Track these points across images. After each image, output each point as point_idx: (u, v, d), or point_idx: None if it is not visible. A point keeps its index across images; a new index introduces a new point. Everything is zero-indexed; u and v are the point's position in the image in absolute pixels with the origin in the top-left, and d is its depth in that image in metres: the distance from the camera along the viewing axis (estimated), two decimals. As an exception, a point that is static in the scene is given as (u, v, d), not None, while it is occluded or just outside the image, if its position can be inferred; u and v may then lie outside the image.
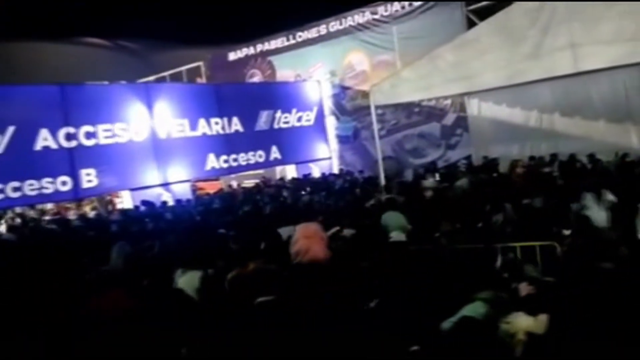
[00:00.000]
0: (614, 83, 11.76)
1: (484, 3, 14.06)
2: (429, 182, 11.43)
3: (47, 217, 15.41)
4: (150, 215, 11.13)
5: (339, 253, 5.73)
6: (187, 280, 5.20)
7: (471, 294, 3.72)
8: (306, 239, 6.08)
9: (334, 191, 12.16)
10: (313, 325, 3.28)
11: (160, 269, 5.72)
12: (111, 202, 15.78)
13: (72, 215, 15.35)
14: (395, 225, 6.78)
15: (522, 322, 3.20)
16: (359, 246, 5.92)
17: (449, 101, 15.19)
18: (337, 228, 6.73)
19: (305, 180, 15.09)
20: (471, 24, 13.41)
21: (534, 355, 3.01)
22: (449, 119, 15.45)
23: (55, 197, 12.47)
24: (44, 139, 11.88)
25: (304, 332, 3.20)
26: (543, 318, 3.19)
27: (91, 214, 14.35)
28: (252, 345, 3.21)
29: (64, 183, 12.10)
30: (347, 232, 6.51)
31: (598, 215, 6.46)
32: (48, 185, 11.86)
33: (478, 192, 9.21)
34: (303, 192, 12.58)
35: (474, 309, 3.49)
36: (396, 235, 6.14)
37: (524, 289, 3.62)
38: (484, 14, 12.88)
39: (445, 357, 3.04)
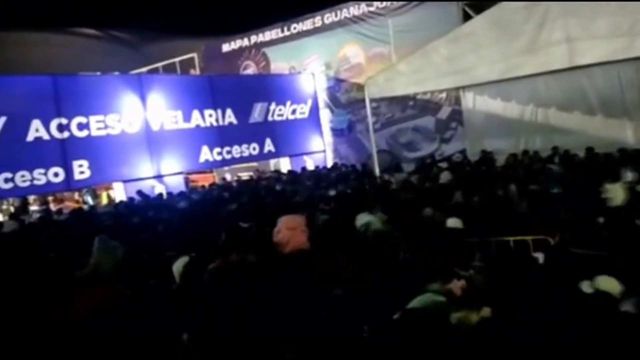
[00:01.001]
0: (609, 78, 11.80)
1: (480, -4, 14.02)
2: (399, 176, 11.66)
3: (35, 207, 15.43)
4: (153, 206, 11.16)
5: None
6: (178, 265, 5.20)
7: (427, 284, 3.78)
8: (288, 230, 6.14)
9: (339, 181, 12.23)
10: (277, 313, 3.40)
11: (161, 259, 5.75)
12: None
13: (52, 207, 15.37)
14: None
15: (464, 317, 3.24)
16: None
17: (443, 95, 15.15)
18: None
19: (302, 173, 15.02)
20: (467, 18, 13.37)
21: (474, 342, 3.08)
22: (444, 113, 15.42)
23: (47, 188, 12.35)
24: (35, 130, 11.74)
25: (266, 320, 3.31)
26: (486, 311, 3.24)
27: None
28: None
29: (56, 174, 11.99)
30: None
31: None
32: (40, 176, 11.74)
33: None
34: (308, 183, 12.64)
35: (423, 299, 3.55)
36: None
37: (456, 287, 3.61)
38: (479, 7, 12.84)
39: (392, 345, 3.11)
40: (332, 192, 10.10)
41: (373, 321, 3.45)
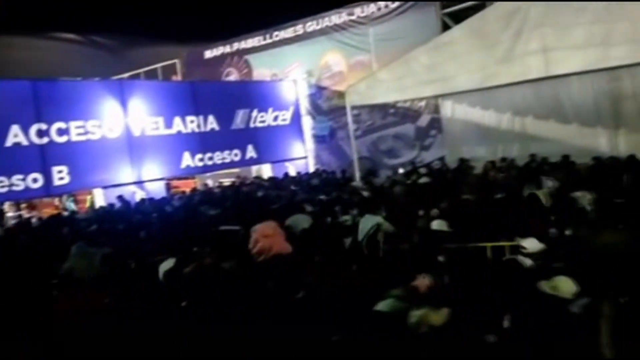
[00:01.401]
0: (584, 87, 12.04)
1: (458, 6, 14.26)
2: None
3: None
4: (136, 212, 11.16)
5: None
6: (165, 266, 5.26)
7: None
8: (266, 238, 6.24)
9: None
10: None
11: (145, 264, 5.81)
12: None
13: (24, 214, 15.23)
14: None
15: (423, 316, 3.34)
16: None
17: (423, 103, 15.33)
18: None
19: (285, 179, 15.07)
20: (446, 27, 13.60)
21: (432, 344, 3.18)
22: (424, 121, 15.60)
23: (26, 194, 12.24)
24: (14, 136, 11.63)
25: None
26: (444, 311, 3.34)
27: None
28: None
29: (35, 180, 11.87)
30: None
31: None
32: (19, 182, 11.62)
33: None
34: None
35: (386, 304, 3.66)
36: (438, 225, 6.26)
37: (422, 283, 3.70)
38: (458, 17, 13.08)
39: (359, 346, 3.20)
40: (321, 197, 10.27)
41: (337, 323, 3.54)
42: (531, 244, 5.31)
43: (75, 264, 6.63)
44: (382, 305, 3.62)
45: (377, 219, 6.90)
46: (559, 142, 12.25)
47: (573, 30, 9.35)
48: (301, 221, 7.47)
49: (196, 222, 9.18)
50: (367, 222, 6.82)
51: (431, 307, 3.31)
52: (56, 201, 16.63)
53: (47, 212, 15.30)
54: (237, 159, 16.19)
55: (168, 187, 15.48)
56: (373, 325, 3.25)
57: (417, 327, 3.26)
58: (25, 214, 15.51)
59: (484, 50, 10.53)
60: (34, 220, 12.92)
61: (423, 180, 10.94)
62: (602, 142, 12.11)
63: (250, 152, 16.55)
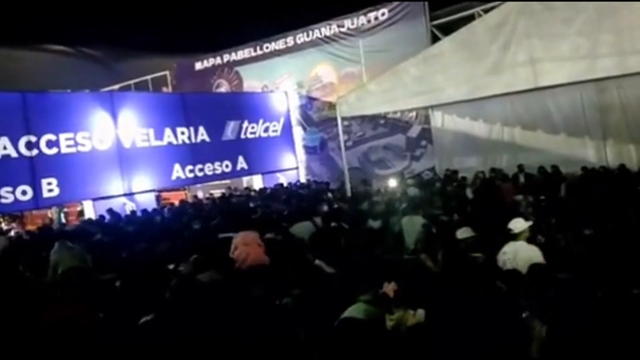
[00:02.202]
0: (571, 98, 12.21)
1: (448, 18, 14.41)
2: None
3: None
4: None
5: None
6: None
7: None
8: (245, 245, 6.30)
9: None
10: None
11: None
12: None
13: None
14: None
15: (400, 318, 3.37)
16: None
17: (413, 113, 15.45)
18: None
19: (277, 190, 15.06)
20: (435, 39, 13.72)
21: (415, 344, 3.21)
22: (414, 131, 15.70)
23: (15, 207, 12.14)
24: (3, 148, 11.56)
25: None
26: (420, 312, 3.38)
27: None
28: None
29: (24, 192, 11.78)
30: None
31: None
32: (7, 194, 11.53)
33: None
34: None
35: (356, 309, 3.68)
36: (463, 233, 6.35)
37: (390, 290, 3.73)
38: (447, 29, 13.21)
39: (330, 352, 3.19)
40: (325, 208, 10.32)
41: (313, 328, 3.56)
42: (516, 225, 5.45)
43: (59, 259, 6.67)
44: (353, 311, 3.64)
45: (420, 220, 6.99)
46: (548, 152, 12.40)
47: (560, 42, 9.46)
48: (305, 228, 7.57)
49: (185, 233, 9.15)
50: (413, 225, 6.90)
51: (406, 309, 3.34)
52: (49, 213, 16.50)
53: (33, 226, 15.18)
54: (227, 170, 16.19)
55: (158, 198, 15.40)
56: (351, 331, 3.28)
57: (395, 330, 3.28)
58: (4, 226, 15.34)
59: (473, 62, 10.62)
60: (19, 233, 12.82)
61: (412, 190, 11.04)
62: (590, 152, 12.25)
63: (241, 163, 16.55)
